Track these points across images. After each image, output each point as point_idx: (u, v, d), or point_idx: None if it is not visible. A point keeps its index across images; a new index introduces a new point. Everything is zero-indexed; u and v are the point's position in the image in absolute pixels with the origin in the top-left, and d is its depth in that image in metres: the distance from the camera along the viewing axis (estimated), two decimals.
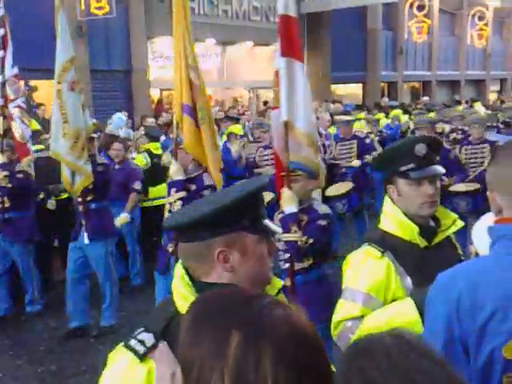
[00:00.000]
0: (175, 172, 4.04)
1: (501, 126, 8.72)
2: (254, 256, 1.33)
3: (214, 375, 0.77)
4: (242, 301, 0.85)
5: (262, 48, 16.22)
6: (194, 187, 4.04)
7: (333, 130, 8.81)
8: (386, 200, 2.09)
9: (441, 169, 2.05)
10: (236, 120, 9.82)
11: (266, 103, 13.68)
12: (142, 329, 1.28)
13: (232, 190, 1.39)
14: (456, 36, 23.69)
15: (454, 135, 7.87)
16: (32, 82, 10.92)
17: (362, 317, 1.95)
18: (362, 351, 0.84)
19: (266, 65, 16.58)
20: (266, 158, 6.96)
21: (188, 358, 0.81)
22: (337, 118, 8.27)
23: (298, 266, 3.24)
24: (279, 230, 1.51)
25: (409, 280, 1.96)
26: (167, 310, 1.30)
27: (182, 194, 3.97)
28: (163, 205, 6.08)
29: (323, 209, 3.36)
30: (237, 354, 0.77)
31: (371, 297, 1.95)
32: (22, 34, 9.86)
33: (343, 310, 2.00)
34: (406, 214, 2.01)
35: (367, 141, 7.41)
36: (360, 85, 19.38)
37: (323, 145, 8.40)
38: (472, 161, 6.28)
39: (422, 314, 1.84)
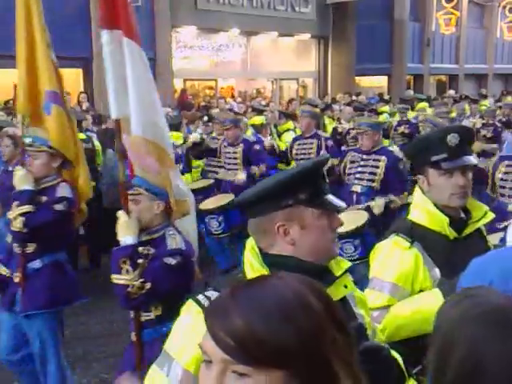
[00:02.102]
0: (21, 180, 3.10)
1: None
2: (314, 229, 1.40)
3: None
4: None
5: (286, 38, 16.13)
6: (44, 199, 3.15)
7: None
8: (417, 190, 2.06)
9: (473, 159, 2.01)
10: (260, 111, 9.80)
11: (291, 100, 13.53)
12: (212, 288, 1.35)
13: (293, 168, 1.52)
14: (485, 28, 23.16)
15: (484, 132, 7.68)
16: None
17: (389, 307, 1.93)
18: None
19: (290, 56, 16.50)
20: None
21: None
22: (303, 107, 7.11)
23: (145, 316, 2.50)
24: (343, 204, 1.50)
25: (437, 271, 1.94)
26: (237, 275, 1.41)
27: (27, 208, 3.05)
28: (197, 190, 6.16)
29: (176, 241, 2.52)
30: None
31: (398, 287, 1.94)
32: (48, 22, 9.94)
33: (370, 299, 1.98)
34: (436, 205, 1.98)
35: (329, 142, 6.22)
36: (385, 77, 19.13)
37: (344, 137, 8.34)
38: None
39: None
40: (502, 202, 4.30)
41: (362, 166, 4.83)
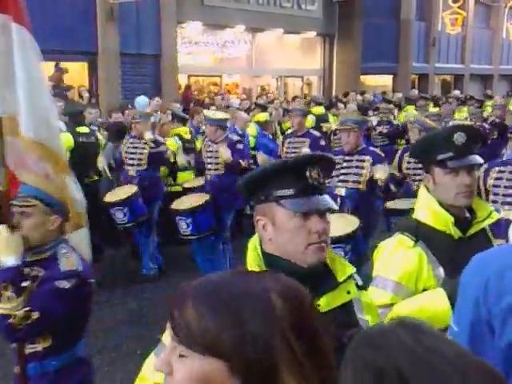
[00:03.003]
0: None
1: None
2: (285, 229, 1.35)
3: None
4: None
5: (292, 36, 16.09)
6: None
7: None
8: (422, 189, 2.05)
9: (479, 159, 1.99)
10: (264, 108, 9.79)
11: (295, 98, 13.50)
12: None
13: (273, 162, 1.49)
14: (491, 29, 23.07)
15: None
16: (62, 65, 11.05)
17: (392, 305, 1.93)
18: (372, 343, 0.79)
19: (295, 53, 16.47)
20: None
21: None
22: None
23: (30, 348, 2.12)
24: (331, 206, 1.41)
25: (441, 270, 1.93)
26: None
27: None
28: (190, 188, 6.17)
29: (71, 261, 2.14)
30: None
31: (402, 286, 1.93)
32: (54, 16, 9.96)
33: (373, 297, 1.96)
34: (441, 204, 1.97)
35: (322, 142, 6.17)
36: (391, 76, 19.08)
37: None
38: None
39: (453, 305, 1.82)
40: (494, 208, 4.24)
41: (345, 168, 4.54)
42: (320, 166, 1.41)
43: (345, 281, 1.43)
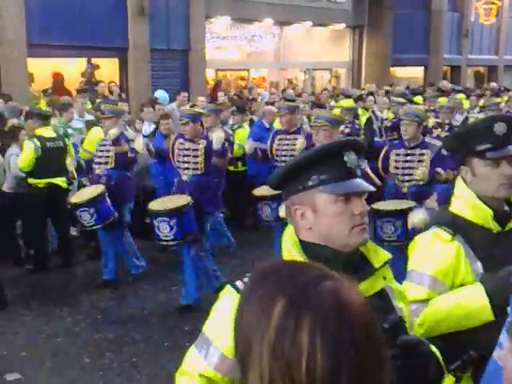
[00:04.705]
0: None
1: None
2: (328, 215, 1.36)
3: (254, 341, 0.77)
4: (293, 270, 0.83)
5: (320, 28, 15.94)
6: None
7: (391, 115, 8.53)
8: (459, 182, 1.99)
9: None
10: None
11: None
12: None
13: (309, 150, 1.47)
14: None
15: None
16: (94, 61, 11.21)
17: (428, 300, 1.88)
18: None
19: (323, 45, 16.32)
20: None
21: (237, 319, 0.83)
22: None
23: None
24: (368, 188, 1.41)
25: (479, 265, 1.87)
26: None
27: None
28: None
29: None
30: (277, 322, 0.76)
31: (438, 281, 1.88)
32: (86, 13, 10.10)
33: (409, 292, 1.91)
34: (479, 197, 1.91)
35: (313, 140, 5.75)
36: (421, 68, 18.72)
37: (379, 128, 8.18)
38: None
39: (491, 299, 1.78)
40: None
41: None
42: (355, 149, 1.42)
43: (381, 267, 1.42)
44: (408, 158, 4.70)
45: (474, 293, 1.79)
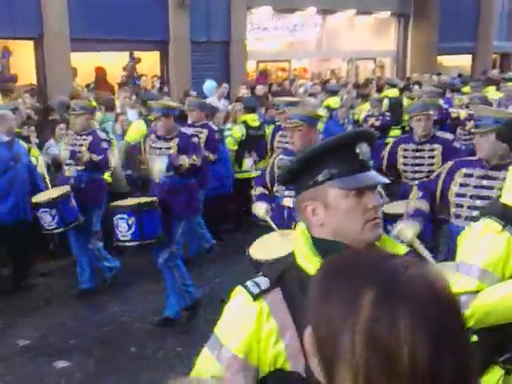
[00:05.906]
0: None
1: None
2: (340, 210, 1.32)
3: (343, 335, 0.74)
4: (376, 259, 0.82)
5: (364, 17, 15.55)
6: None
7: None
8: (510, 172, 1.93)
9: None
10: (334, 93, 9.51)
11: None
12: (262, 273, 1.35)
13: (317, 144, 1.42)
14: None
15: None
16: (136, 54, 11.27)
17: (477, 292, 1.86)
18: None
19: (367, 34, 15.90)
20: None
21: (316, 316, 0.80)
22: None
23: None
24: (383, 181, 1.38)
25: None
26: (286, 260, 1.37)
27: None
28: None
29: None
30: (370, 313, 0.73)
31: (488, 272, 1.85)
32: (127, 6, 10.14)
33: (458, 283, 1.89)
34: None
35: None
36: (469, 56, 18.02)
37: None
38: None
39: None
40: (454, 225, 3.25)
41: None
42: (366, 141, 1.37)
43: None
44: (417, 153, 4.31)
45: None
